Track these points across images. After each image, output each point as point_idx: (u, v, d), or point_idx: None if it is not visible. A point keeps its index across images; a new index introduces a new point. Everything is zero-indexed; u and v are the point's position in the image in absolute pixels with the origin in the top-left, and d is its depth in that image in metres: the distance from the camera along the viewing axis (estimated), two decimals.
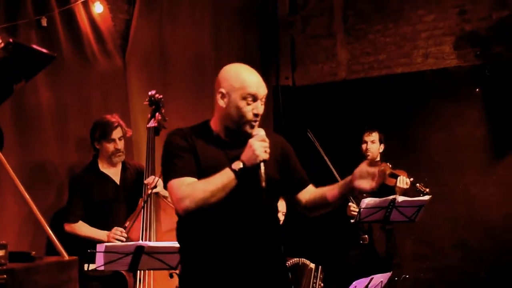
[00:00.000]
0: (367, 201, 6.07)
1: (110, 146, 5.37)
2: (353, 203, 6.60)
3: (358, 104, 8.28)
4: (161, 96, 5.47)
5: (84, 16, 6.10)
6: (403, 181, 6.57)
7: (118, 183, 5.47)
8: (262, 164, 3.22)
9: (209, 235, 3.34)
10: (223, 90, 3.37)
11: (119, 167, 5.53)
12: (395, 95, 8.13)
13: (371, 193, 5.59)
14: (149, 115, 5.49)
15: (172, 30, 7.17)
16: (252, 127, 3.37)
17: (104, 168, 5.46)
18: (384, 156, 7.02)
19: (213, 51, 7.74)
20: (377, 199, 6.11)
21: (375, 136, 6.84)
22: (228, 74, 3.42)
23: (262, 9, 8.78)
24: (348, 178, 3.39)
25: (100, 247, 4.19)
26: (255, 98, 3.34)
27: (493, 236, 7.42)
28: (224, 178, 3.21)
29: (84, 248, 4.42)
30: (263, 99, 3.39)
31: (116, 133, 5.38)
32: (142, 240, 4.97)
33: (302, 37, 8.95)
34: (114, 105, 6.27)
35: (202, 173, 3.29)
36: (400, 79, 8.20)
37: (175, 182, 3.29)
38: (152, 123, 5.42)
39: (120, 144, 5.41)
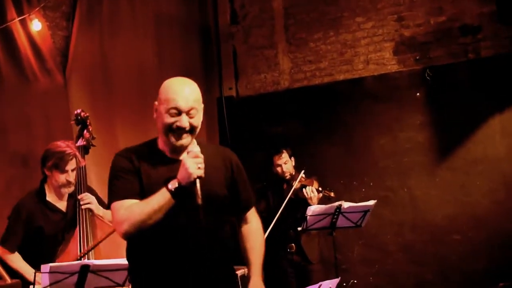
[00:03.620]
0: (313, 209, 6.09)
1: (62, 177, 5.03)
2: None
3: (302, 112, 8.34)
4: (87, 114, 5.34)
5: (22, 34, 6.05)
6: (309, 191, 6.50)
7: (64, 210, 5.17)
8: (198, 181, 3.16)
9: (154, 255, 3.30)
10: (156, 104, 3.37)
11: (67, 195, 5.22)
12: (337, 102, 8.22)
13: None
14: (75, 135, 5.32)
15: (113, 43, 7.13)
16: (178, 138, 3.31)
17: (51, 197, 5.13)
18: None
19: (156, 63, 7.72)
20: (323, 206, 6.14)
21: (285, 156, 6.82)
22: (162, 88, 3.37)
23: (203, 20, 8.78)
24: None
25: (44, 268, 4.11)
26: (179, 112, 3.28)
27: (437, 238, 7.53)
28: (160, 198, 3.16)
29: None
30: (191, 112, 3.31)
31: (71, 165, 5.03)
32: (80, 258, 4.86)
33: (244, 47, 8.98)
34: (56, 123, 6.22)
35: (145, 194, 3.23)
36: (342, 85, 8.28)
37: (116, 205, 3.26)
38: (80, 142, 5.23)
39: (72, 176, 5.06)
